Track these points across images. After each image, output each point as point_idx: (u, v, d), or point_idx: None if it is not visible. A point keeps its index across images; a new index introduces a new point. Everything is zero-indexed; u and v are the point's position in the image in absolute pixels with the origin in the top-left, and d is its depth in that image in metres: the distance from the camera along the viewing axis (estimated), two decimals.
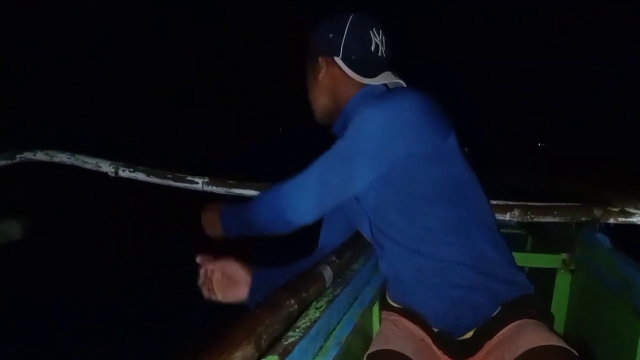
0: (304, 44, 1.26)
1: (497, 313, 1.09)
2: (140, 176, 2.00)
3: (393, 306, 1.23)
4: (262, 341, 0.80)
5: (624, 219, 1.63)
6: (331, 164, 1.07)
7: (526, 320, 1.07)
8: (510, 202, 1.69)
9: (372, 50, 1.19)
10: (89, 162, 2.07)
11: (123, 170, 2.02)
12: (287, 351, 0.84)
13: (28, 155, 2.17)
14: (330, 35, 1.18)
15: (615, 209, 1.64)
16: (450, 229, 1.08)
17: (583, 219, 1.67)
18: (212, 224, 1.27)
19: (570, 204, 1.69)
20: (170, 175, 1.97)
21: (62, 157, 2.11)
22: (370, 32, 1.19)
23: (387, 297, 1.26)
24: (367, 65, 1.18)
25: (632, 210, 1.63)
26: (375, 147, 1.04)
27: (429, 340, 1.15)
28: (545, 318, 1.10)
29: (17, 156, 2.18)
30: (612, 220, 1.64)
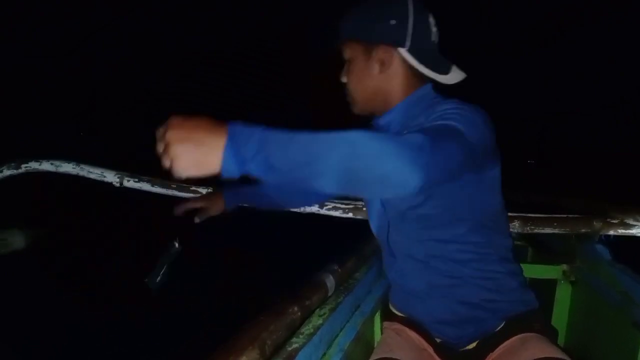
0: (343, 27, 1.09)
1: (502, 327, 1.10)
2: (145, 186, 2.01)
3: (396, 315, 1.23)
4: (267, 347, 0.81)
5: (623, 231, 1.64)
6: (443, 138, 0.82)
7: (530, 334, 1.07)
8: (511, 214, 1.70)
9: (433, 40, 1.07)
10: (94, 172, 2.09)
11: (128, 180, 2.03)
12: (290, 357, 0.86)
13: (33, 165, 2.18)
14: (392, 21, 1.03)
15: (615, 221, 1.65)
16: (469, 251, 1.08)
17: (583, 230, 1.68)
18: (203, 146, 0.67)
19: (570, 215, 1.70)
20: (174, 186, 1.98)
21: (67, 167, 2.13)
22: (430, 18, 1.07)
23: (390, 305, 1.26)
24: (435, 58, 1.07)
25: (631, 222, 1.64)
26: (476, 143, 0.88)
27: (430, 350, 1.15)
28: (549, 332, 1.10)
29: (23, 166, 2.20)
30: (612, 232, 1.65)
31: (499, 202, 1.11)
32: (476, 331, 1.11)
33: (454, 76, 1.07)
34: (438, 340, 1.15)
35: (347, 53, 1.10)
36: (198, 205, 1.36)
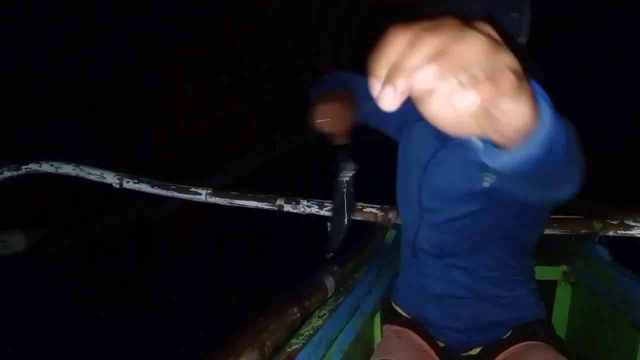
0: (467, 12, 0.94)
1: (508, 335, 1.10)
2: (145, 187, 2.02)
3: (398, 316, 1.22)
4: (266, 348, 0.81)
5: (623, 232, 1.65)
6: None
7: (535, 342, 1.07)
8: None
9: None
10: (94, 174, 2.10)
11: (127, 182, 2.04)
12: (290, 358, 0.86)
13: (33, 166, 2.19)
14: (514, 14, 0.98)
15: (615, 222, 1.65)
16: (500, 270, 1.07)
17: (583, 231, 1.68)
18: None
19: (570, 216, 1.70)
20: (173, 187, 1.99)
21: (67, 169, 2.14)
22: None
23: (393, 305, 1.25)
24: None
25: (631, 223, 1.64)
26: None
27: (432, 352, 1.15)
28: (554, 341, 1.11)
29: (23, 167, 2.21)
30: (611, 233, 1.65)
31: (542, 227, 1.12)
32: (482, 339, 1.10)
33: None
34: (441, 344, 1.14)
35: None
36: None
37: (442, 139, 1.04)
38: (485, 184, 0.99)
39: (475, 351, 1.12)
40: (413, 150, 1.11)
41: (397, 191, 1.18)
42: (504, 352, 1.08)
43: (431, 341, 1.15)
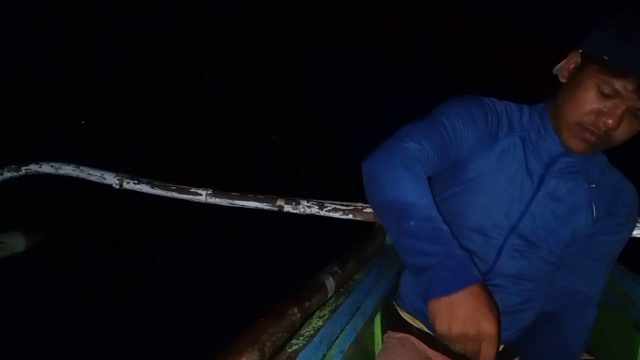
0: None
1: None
2: (145, 188, 2.02)
3: (400, 321, 1.17)
4: (266, 349, 0.81)
5: None
6: None
7: None
8: None
9: None
10: (94, 174, 2.10)
11: (127, 182, 2.04)
12: (290, 359, 0.86)
13: (33, 167, 2.19)
14: None
15: None
16: (538, 300, 1.05)
17: None
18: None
19: None
20: (174, 187, 1.99)
21: (68, 169, 2.14)
22: None
23: (395, 308, 1.19)
24: None
25: None
26: None
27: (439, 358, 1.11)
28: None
29: (23, 168, 2.21)
30: None
31: None
32: (507, 335, 1.06)
33: None
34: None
35: None
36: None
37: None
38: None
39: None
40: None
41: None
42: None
43: (438, 348, 1.11)
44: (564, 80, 0.95)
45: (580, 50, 0.93)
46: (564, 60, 0.96)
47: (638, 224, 1.63)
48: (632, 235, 1.62)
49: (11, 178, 2.23)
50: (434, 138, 0.92)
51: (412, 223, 0.81)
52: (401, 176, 0.85)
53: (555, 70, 0.98)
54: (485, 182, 0.99)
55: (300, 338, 0.93)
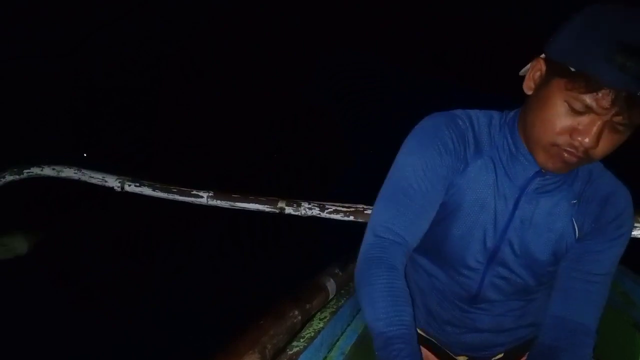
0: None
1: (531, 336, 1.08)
2: (146, 191, 2.02)
3: None
4: (267, 351, 0.82)
5: None
6: None
7: None
8: None
9: None
10: (96, 177, 2.10)
11: (129, 185, 2.04)
12: None
13: (35, 170, 2.19)
14: None
15: None
16: (533, 313, 1.03)
17: None
18: None
19: None
20: (175, 190, 1.99)
21: (69, 172, 2.14)
22: None
23: None
24: None
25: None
26: None
27: None
28: None
29: (25, 171, 2.21)
30: None
31: None
32: (504, 347, 1.07)
33: None
34: (460, 358, 1.10)
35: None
36: None
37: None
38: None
39: (499, 356, 1.09)
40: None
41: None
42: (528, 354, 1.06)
43: (445, 356, 1.10)
44: (529, 92, 0.83)
45: (544, 57, 0.80)
46: (527, 67, 0.84)
47: (637, 224, 1.64)
48: (633, 236, 1.64)
49: (13, 181, 2.24)
50: (408, 214, 0.90)
51: (375, 339, 0.90)
52: (370, 294, 0.89)
53: (521, 73, 0.86)
54: (462, 211, 0.93)
55: (301, 340, 0.93)
